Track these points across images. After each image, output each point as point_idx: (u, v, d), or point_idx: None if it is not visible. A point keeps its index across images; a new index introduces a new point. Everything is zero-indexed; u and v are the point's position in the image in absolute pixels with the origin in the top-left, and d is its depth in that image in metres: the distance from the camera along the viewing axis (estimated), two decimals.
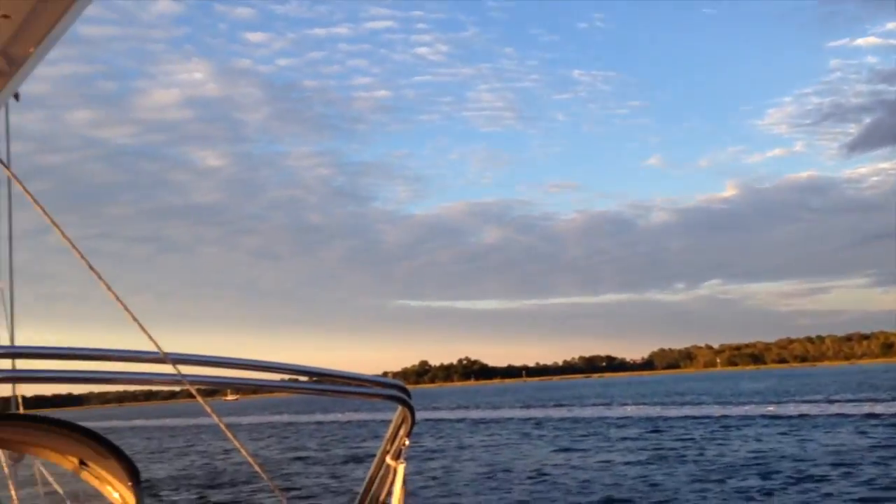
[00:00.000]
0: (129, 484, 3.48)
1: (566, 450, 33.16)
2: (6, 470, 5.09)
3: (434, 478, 26.02)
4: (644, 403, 69.60)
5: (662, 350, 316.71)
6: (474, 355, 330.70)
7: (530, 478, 25.12)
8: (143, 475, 3.57)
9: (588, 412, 60.76)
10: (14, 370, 1.99)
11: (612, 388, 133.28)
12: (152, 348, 1.88)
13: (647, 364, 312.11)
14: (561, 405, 75.88)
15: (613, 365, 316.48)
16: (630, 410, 59.66)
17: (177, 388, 2.18)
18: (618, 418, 51.55)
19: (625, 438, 36.92)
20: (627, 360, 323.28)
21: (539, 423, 51.09)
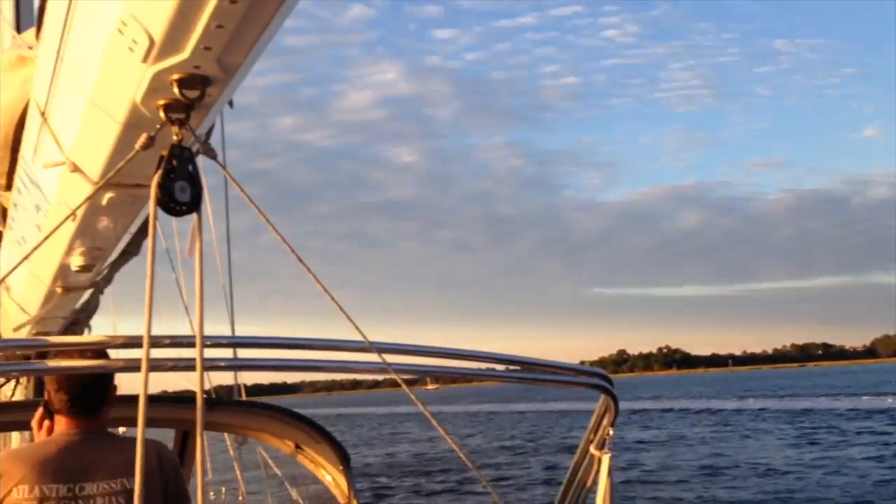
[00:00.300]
0: (341, 468, 3.74)
1: (795, 445, 30.98)
2: (232, 453, 5.48)
3: (648, 470, 24.96)
4: (876, 394, 63.70)
5: (887, 336, 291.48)
6: (675, 344, 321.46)
7: (760, 475, 23.48)
8: (353, 461, 3.81)
9: (810, 403, 56.57)
10: (235, 359, 2.06)
11: (830, 377, 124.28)
12: (358, 338, 1.87)
13: (870, 352, 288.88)
14: (778, 396, 71.26)
15: (831, 353, 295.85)
16: (863, 402, 54.59)
17: (380, 378, 2.28)
18: (847, 410, 47.73)
19: (861, 432, 34.06)
20: (846, 347, 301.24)
21: (757, 415, 48.18)
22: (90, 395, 2.61)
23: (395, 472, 28.71)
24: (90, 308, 3.72)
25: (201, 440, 1.70)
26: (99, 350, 2.29)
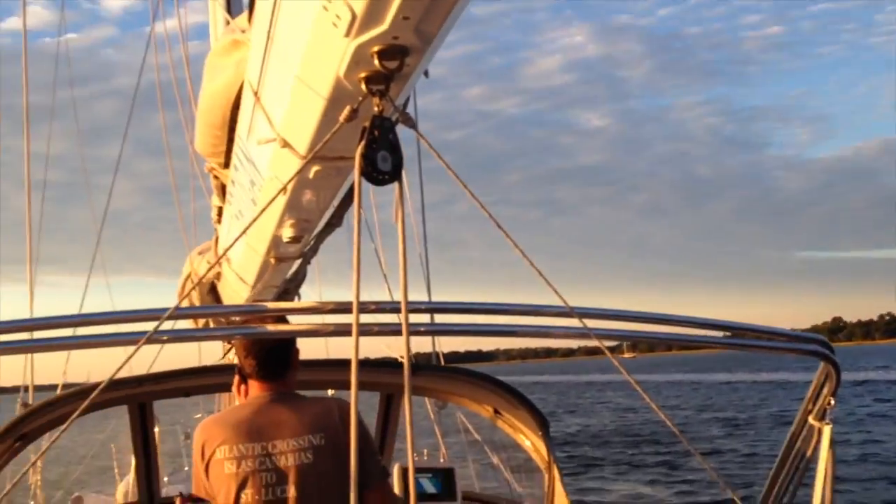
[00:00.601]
0: (540, 433, 3.75)
1: None
2: (433, 417, 5.72)
3: (886, 446, 23.00)
4: None
5: None
6: None
7: None
8: (553, 429, 3.78)
9: None
10: (433, 324, 2.10)
11: None
12: (557, 303, 1.83)
13: None
14: None
15: None
16: None
17: (575, 345, 2.11)
18: None
19: None
20: None
21: None
22: (274, 359, 2.81)
23: (598, 441, 28.25)
24: (299, 277, 3.93)
25: (409, 403, 1.74)
26: (279, 316, 2.41)
